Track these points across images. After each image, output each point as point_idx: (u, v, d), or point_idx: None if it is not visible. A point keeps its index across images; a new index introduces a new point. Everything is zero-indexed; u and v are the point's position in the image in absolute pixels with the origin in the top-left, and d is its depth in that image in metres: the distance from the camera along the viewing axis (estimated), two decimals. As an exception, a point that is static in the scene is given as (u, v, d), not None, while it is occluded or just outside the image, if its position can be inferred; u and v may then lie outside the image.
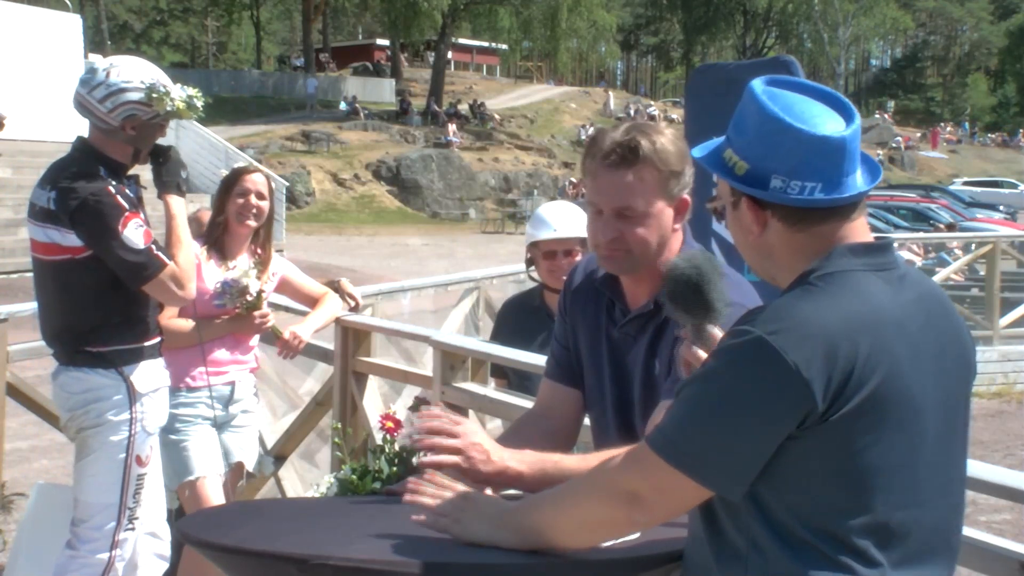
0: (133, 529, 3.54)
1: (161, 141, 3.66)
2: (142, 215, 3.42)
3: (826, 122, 1.64)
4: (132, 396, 3.45)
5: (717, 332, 1.75)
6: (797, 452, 1.55)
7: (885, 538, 1.56)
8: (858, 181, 1.66)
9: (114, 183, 3.40)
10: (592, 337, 2.28)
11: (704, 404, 1.58)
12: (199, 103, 3.57)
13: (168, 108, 3.46)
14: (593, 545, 1.78)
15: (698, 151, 1.76)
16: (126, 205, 3.36)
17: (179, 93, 3.49)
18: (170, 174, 3.58)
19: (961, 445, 1.69)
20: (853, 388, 1.53)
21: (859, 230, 1.67)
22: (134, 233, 3.34)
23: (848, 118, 1.66)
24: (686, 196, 2.17)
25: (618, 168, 2.08)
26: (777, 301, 1.62)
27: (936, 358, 1.62)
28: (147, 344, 3.52)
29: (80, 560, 3.47)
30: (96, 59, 3.57)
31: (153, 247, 3.38)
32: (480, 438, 2.04)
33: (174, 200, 3.55)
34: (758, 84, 1.69)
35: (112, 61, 3.51)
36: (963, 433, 1.70)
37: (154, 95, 3.44)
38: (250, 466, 4.24)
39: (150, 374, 3.51)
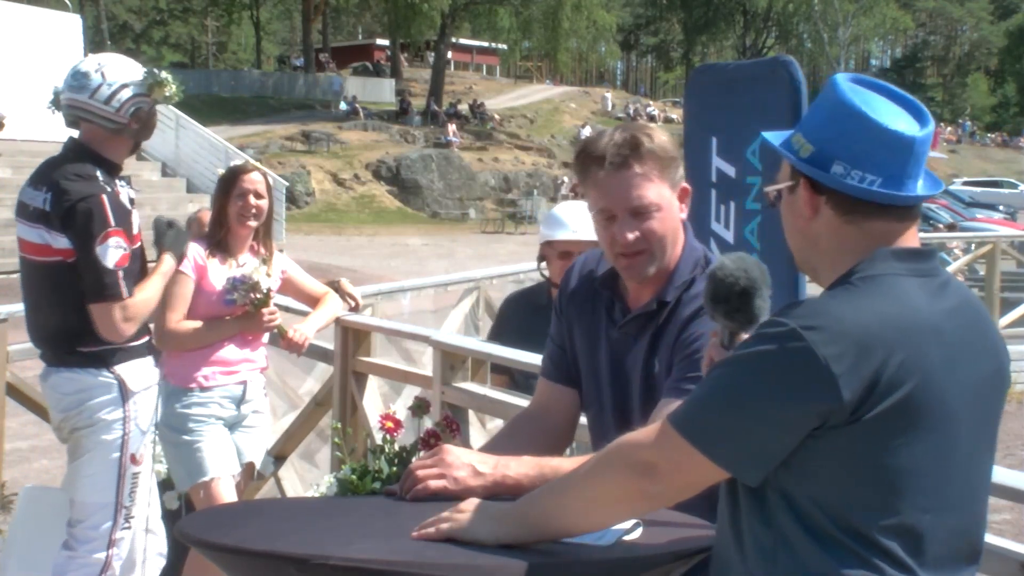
0: (129, 528, 3.54)
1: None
2: (128, 232, 3.40)
3: (898, 120, 1.65)
4: (125, 394, 3.46)
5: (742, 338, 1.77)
6: (826, 449, 1.56)
7: (912, 540, 1.57)
8: (919, 186, 1.66)
9: (109, 190, 3.39)
10: (590, 338, 2.27)
11: (729, 387, 1.60)
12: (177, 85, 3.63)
13: (167, 94, 3.50)
14: (604, 525, 1.78)
15: (772, 136, 1.77)
16: (112, 220, 3.35)
17: (169, 77, 3.56)
18: (176, 243, 3.65)
19: (989, 453, 1.70)
20: (885, 390, 1.53)
21: (908, 237, 1.67)
22: (109, 251, 3.34)
23: (921, 120, 1.67)
24: (685, 184, 2.20)
25: (624, 167, 2.10)
26: (815, 298, 1.63)
27: (971, 367, 1.62)
28: (138, 343, 3.52)
29: (78, 560, 3.48)
30: (82, 62, 3.58)
31: (120, 273, 3.36)
32: (459, 453, 2.05)
33: (168, 259, 3.60)
34: (842, 77, 1.71)
35: (99, 61, 3.53)
36: (992, 442, 1.71)
37: (153, 84, 3.48)
38: (259, 466, 4.24)
39: (141, 372, 3.52)
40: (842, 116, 1.65)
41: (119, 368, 3.46)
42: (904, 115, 1.67)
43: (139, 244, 3.52)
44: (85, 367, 3.44)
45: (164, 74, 3.55)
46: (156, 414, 3.62)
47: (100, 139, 3.48)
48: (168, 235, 3.65)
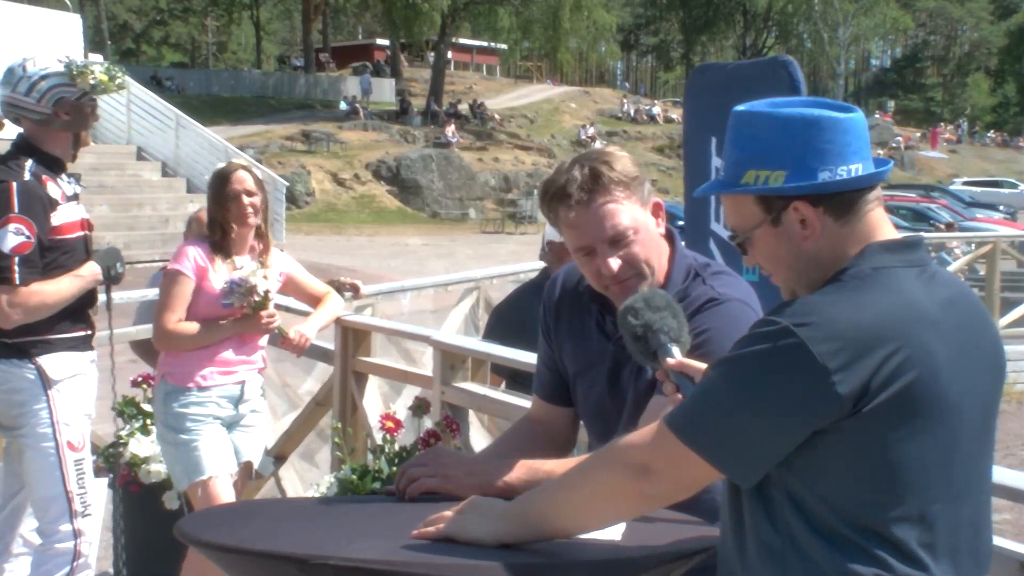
0: (91, 516, 3.61)
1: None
2: (38, 222, 3.40)
3: (834, 109, 1.66)
4: (46, 383, 3.50)
5: (676, 359, 1.81)
6: (829, 446, 1.56)
7: (922, 533, 1.57)
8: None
9: (28, 178, 3.42)
10: (585, 352, 2.25)
11: (723, 387, 1.59)
12: (119, 77, 3.63)
13: (92, 82, 3.52)
14: (603, 524, 1.78)
15: (699, 192, 1.77)
16: (16, 207, 3.37)
17: (98, 67, 3.55)
18: (105, 257, 3.67)
19: (990, 445, 1.70)
20: (884, 383, 1.53)
21: (884, 222, 1.68)
22: (7, 236, 3.36)
23: (844, 109, 1.68)
24: (657, 199, 2.19)
25: (590, 201, 2.09)
26: (808, 296, 1.63)
27: (970, 356, 1.62)
28: (63, 336, 3.55)
29: (50, 552, 3.55)
30: (15, 60, 3.64)
31: (16, 259, 3.37)
32: (452, 452, 2.08)
33: (91, 265, 3.61)
34: (745, 107, 1.70)
35: (26, 56, 3.58)
36: (992, 433, 1.71)
37: (75, 71, 3.52)
38: (258, 466, 4.24)
39: (65, 363, 3.55)
40: (800, 129, 1.64)
41: (40, 359, 3.49)
42: (824, 105, 1.68)
43: (71, 237, 3.54)
44: (8, 358, 3.48)
45: (99, 66, 3.57)
46: (87, 404, 3.66)
47: (35, 133, 3.54)
48: (99, 252, 3.70)
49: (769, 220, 1.68)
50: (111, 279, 3.73)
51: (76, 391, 3.59)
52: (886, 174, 1.68)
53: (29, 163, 3.47)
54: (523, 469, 2.05)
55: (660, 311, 1.82)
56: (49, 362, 3.50)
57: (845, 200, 1.65)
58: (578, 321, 2.27)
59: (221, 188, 3.91)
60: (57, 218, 3.49)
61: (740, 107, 1.71)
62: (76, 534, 3.54)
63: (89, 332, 3.67)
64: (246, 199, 3.89)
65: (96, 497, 3.66)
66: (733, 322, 2.02)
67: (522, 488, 1.97)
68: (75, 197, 3.60)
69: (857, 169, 1.64)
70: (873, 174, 1.65)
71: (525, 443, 2.25)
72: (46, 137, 3.54)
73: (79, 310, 3.62)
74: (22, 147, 3.53)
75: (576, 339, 2.26)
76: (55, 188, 3.51)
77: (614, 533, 1.86)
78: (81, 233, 3.63)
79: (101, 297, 3.81)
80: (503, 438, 2.42)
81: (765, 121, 1.67)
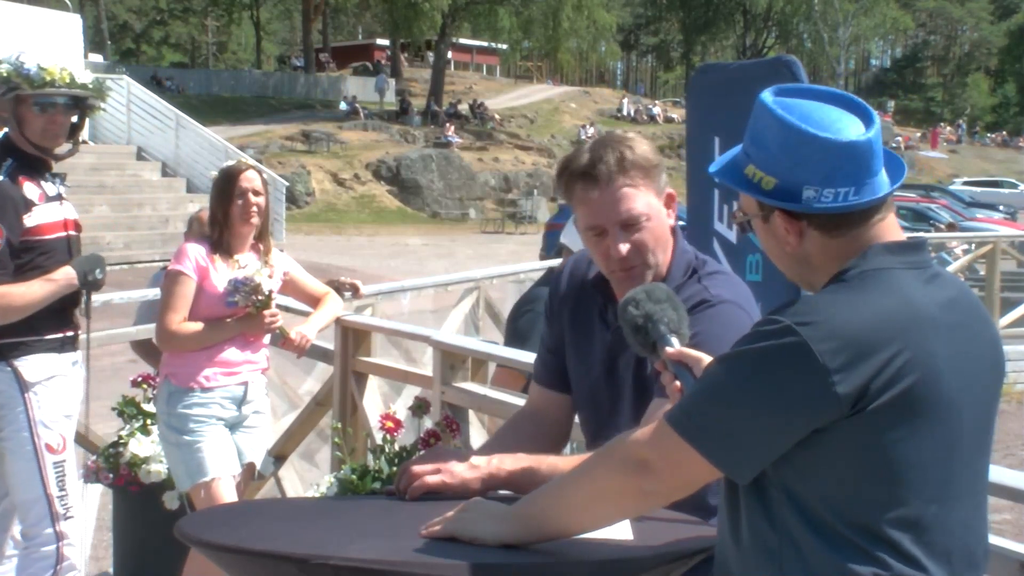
0: (73, 517, 3.58)
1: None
2: (9, 223, 3.38)
3: (848, 126, 1.64)
4: (22, 385, 3.48)
5: (675, 348, 1.79)
6: (829, 445, 1.56)
7: (920, 532, 1.57)
8: (884, 178, 1.66)
9: (5, 179, 3.40)
10: (583, 341, 2.27)
11: (724, 384, 1.60)
12: (45, 74, 3.50)
13: (3, 74, 3.45)
14: (603, 523, 1.78)
15: (714, 167, 1.77)
16: None
17: (5, 64, 3.48)
18: (83, 262, 3.62)
19: (988, 445, 1.70)
20: (885, 383, 1.53)
21: (891, 228, 1.68)
22: None
23: (865, 117, 1.66)
24: (670, 190, 2.20)
25: (610, 182, 2.10)
26: (811, 296, 1.63)
27: (970, 357, 1.62)
28: (42, 338, 3.52)
29: (33, 556, 3.54)
30: None
31: None
32: (453, 452, 2.10)
33: (65, 272, 3.56)
34: (768, 96, 1.69)
35: None
36: (990, 434, 1.71)
37: None
38: (259, 466, 4.23)
39: (42, 364, 3.52)
40: (794, 144, 1.63)
41: (16, 362, 3.47)
42: (849, 117, 1.66)
43: (49, 238, 3.52)
44: None
45: (14, 62, 3.49)
46: (67, 405, 3.63)
47: (13, 133, 3.51)
48: (80, 257, 3.67)
49: (760, 216, 1.71)
50: (88, 284, 3.65)
51: (55, 393, 3.55)
52: (882, 200, 1.65)
53: (7, 163, 3.44)
54: (525, 464, 2.05)
55: (661, 303, 1.84)
56: (25, 364, 3.47)
57: (831, 218, 1.64)
58: (582, 309, 2.29)
59: (228, 185, 3.90)
60: (33, 219, 3.45)
61: (765, 96, 1.69)
62: (59, 536, 3.51)
63: (72, 334, 3.64)
64: (252, 198, 3.90)
65: (79, 499, 3.62)
66: (724, 326, 2.03)
67: (524, 483, 1.98)
68: (57, 197, 3.57)
69: (846, 193, 1.62)
70: (864, 202, 1.63)
71: (521, 438, 2.26)
72: (14, 135, 3.51)
73: (62, 311, 3.58)
74: (4, 147, 3.50)
75: (577, 326, 2.29)
76: (33, 189, 3.48)
77: (625, 533, 1.85)
78: (63, 234, 3.59)
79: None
80: (499, 434, 2.43)
81: (773, 123, 1.66)
